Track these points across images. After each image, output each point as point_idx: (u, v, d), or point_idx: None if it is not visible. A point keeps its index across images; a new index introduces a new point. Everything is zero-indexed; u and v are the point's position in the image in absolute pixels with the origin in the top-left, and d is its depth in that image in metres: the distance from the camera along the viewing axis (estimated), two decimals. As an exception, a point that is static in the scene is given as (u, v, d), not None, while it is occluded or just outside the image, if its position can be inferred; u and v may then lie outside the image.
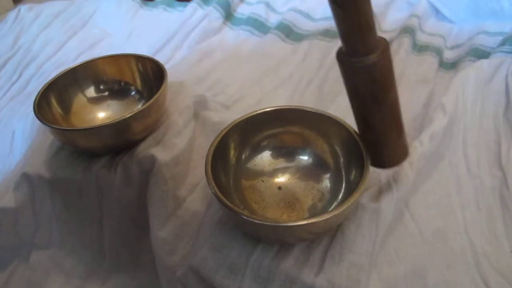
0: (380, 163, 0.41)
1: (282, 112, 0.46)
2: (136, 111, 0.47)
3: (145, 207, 0.49)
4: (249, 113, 0.46)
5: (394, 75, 0.37)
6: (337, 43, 0.68)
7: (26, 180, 0.52)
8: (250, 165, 0.47)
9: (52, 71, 0.72)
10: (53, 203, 0.54)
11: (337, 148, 0.45)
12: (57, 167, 0.52)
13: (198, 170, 0.51)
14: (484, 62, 0.57)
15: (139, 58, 0.56)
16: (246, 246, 0.41)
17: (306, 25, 0.77)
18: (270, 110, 0.46)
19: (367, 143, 0.40)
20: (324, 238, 0.41)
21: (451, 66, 0.64)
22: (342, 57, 0.36)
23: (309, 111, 0.46)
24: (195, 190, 0.49)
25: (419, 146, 0.46)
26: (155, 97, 0.48)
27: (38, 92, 0.51)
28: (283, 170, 0.47)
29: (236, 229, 0.43)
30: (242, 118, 0.45)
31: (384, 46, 0.35)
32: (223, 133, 0.44)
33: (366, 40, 0.34)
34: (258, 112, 0.46)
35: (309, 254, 0.40)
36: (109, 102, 0.58)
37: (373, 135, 0.39)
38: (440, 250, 0.41)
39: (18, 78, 0.73)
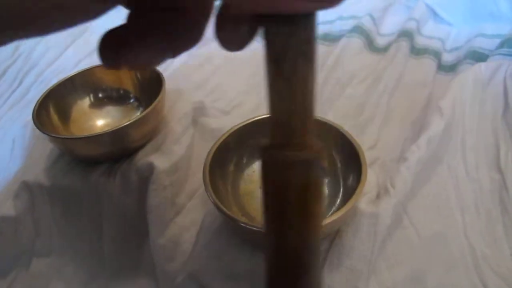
0: None
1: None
2: (134, 119, 0.47)
3: (145, 214, 0.49)
4: (246, 120, 0.46)
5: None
6: (336, 47, 0.69)
7: (26, 188, 0.52)
8: (249, 171, 0.47)
9: (52, 79, 0.72)
10: (53, 211, 0.54)
11: (334, 154, 0.46)
12: (56, 175, 0.52)
13: (197, 177, 0.51)
14: (482, 65, 0.57)
15: (137, 66, 0.56)
16: (244, 252, 0.41)
17: (304, 30, 0.77)
18: (267, 117, 0.46)
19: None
20: (322, 244, 0.41)
21: (450, 69, 0.64)
22: (269, 154, 0.23)
23: (307, 116, 0.46)
24: (194, 197, 0.49)
25: (416, 151, 0.46)
26: (153, 104, 0.48)
27: (37, 101, 0.51)
28: (281, 176, 0.47)
29: (234, 236, 0.43)
30: (239, 125, 0.45)
31: (317, 151, 0.23)
32: (221, 140, 0.44)
33: (308, 129, 0.22)
34: (256, 118, 0.46)
35: (308, 260, 0.40)
36: (108, 109, 0.58)
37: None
38: (439, 254, 0.41)
39: (18, 86, 0.73)
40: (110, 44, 0.20)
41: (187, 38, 0.21)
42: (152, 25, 0.20)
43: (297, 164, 0.22)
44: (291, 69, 0.20)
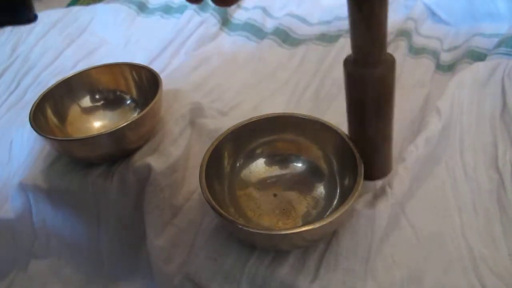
0: (368, 175, 0.41)
1: (276, 119, 0.46)
2: (131, 120, 0.47)
3: (142, 215, 0.49)
4: (243, 121, 0.46)
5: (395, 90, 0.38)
6: (334, 48, 0.69)
7: (24, 190, 0.52)
8: (245, 172, 0.47)
9: (49, 80, 0.72)
10: (50, 212, 0.54)
11: (331, 155, 0.45)
12: (54, 177, 0.52)
13: (194, 178, 0.51)
14: (480, 65, 0.57)
15: (134, 67, 0.56)
16: (241, 253, 0.41)
17: (302, 30, 0.77)
18: (264, 118, 0.46)
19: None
20: (320, 245, 0.41)
21: (448, 68, 0.64)
22: (350, 66, 0.36)
23: (303, 117, 0.46)
24: (191, 198, 0.49)
25: (414, 150, 0.46)
26: (149, 106, 0.48)
27: (34, 103, 0.51)
28: (278, 177, 0.47)
29: (231, 237, 0.43)
30: (236, 126, 0.45)
31: (391, 61, 0.35)
32: (217, 142, 0.44)
33: (378, 52, 0.34)
34: (252, 120, 0.46)
35: (305, 261, 0.40)
36: (105, 111, 0.58)
37: (367, 146, 0.40)
38: (437, 254, 0.41)
39: (16, 88, 0.73)
40: None
41: None
42: None
43: (372, 80, 0.35)
44: (368, 9, 0.31)
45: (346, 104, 0.40)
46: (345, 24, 0.74)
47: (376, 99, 0.37)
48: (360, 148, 0.41)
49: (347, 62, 0.36)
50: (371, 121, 0.38)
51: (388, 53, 0.35)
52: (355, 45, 0.34)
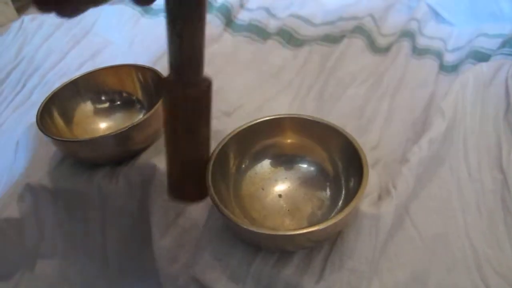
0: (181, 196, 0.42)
1: (280, 120, 0.47)
2: (137, 122, 0.47)
3: (147, 216, 0.49)
4: (248, 122, 0.46)
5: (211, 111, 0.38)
6: (338, 48, 0.69)
7: (30, 190, 0.52)
8: (250, 173, 0.48)
9: (55, 81, 0.72)
10: (56, 213, 0.54)
11: (336, 156, 0.46)
12: (60, 177, 0.52)
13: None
14: (483, 65, 0.57)
15: (139, 68, 0.57)
16: (246, 254, 0.41)
17: (306, 31, 0.77)
18: (268, 119, 0.46)
19: (174, 176, 0.41)
20: (325, 246, 0.41)
21: (452, 69, 0.64)
22: (170, 86, 0.35)
23: (308, 119, 0.46)
24: (196, 199, 0.49)
25: (418, 152, 0.46)
26: (155, 107, 0.48)
27: (41, 104, 0.51)
28: (283, 178, 0.48)
29: (236, 238, 0.43)
30: (241, 127, 0.46)
31: (209, 81, 0.35)
32: (222, 143, 0.44)
33: (198, 72, 0.34)
34: (257, 121, 0.46)
35: (310, 261, 0.40)
36: (111, 112, 0.58)
37: (181, 166, 0.40)
38: (441, 255, 0.41)
39: (22, 89, 0.73)
40: None
41: None
42: None
43: (188, 100, 0.35)
44: (182, 28, 0.30)
45: (165, 127, 0.39)
46: (349, 24, 0.74)
47: (191, 117, 0.36)
48: (171, 169, 0.40)
49: (167, 83, 0.35)
50: (183, 141, 0.38)
51: (206, 77, 0.35)
52: (169, 63, 0.34)
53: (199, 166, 0.41)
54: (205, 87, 0.35)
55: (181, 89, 0.34)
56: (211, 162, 0.42)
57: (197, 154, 0.40)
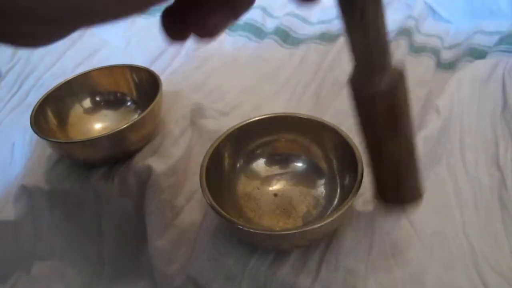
0: (396, 198, 0.39)
1: (275, 119, 0.46)
2: (132, 122, 0.47)
3: (143, 216, 0.49)
4: (242, 121, 0.46)
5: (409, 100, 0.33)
6: (334, 47, 0.69)
7: (25, 192, 0.52)
8: (246, 173, 0.47)
9: (51, 82, 0.72)
10: (52, 214, 0.54)
11: (331, 154, 0.45)
12: (55, 179, 0.52)
13: (195, 179, 0.51)
14: (480, 63, 0.57)
15: (134, 69, 0.56)
16: (242, 254, 0.41)
17: (303, 29, 0.77)
18: (263, 118, 0.46)
19: (381, 179, 0.38)
20: (320, 244, 0.41)
21: (449, 66, 0.64)
22: (356, 83, 0.32)
23: (302, 117, 0.46)
24: (192, 199, 0.49)
25: (413, 149, 0.46)
26: (150, 107, 0.48)
27: (35, 106, 0.51)
28: (278, 177, 0.48)
29: (232, 238, 0.43)
30: (235, 126, 0.46)
31: (401, 67, 0.32)
32: (217, 142, 0.44)
33: (385, 61, 0.30)
34: (252, 120, 0.46)
35: (305, 260, 0.40)
36: (106, 113, 0.58)
37: (384, 170, 0.37)
38: (438, 253, 0.41)
39: (18, 90, 0.73)
40: (173, 17, 0.22)
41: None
42: None
43: (379, 93, 0.31)
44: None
45: (360, 128, 0.35)
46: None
47: (387, 114, 0.32)
48: (378, 173, 0.38)
49: (353, 80, 0.33)
50: (388, 139, 0.34)
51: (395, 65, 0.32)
52: (357, 56, 0.30)
53: (409, 165, 0.36)
54: (398, 75, 0.31)
55: (371, 83, 0.31)
56: (206, 161, 0.41)
57: (404, 153, 0.35)
